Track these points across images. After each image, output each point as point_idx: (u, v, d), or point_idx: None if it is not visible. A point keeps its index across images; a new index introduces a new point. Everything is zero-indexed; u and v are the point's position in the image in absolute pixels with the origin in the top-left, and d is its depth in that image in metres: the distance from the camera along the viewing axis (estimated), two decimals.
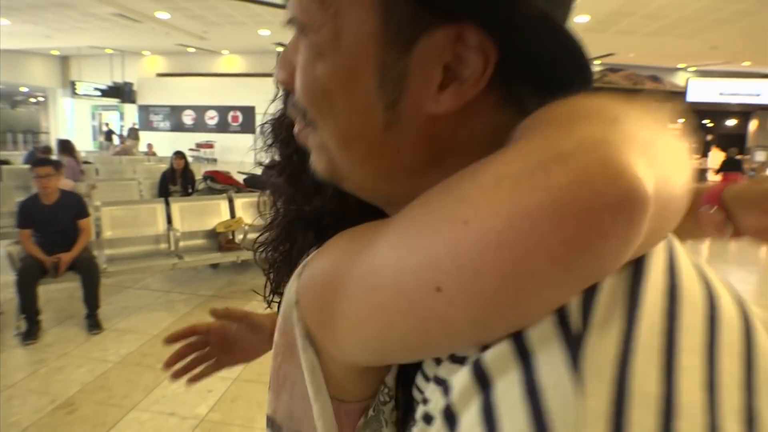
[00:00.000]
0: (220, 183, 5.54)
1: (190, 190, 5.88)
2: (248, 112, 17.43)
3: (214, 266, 5.09)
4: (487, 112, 0.34)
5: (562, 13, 0.34)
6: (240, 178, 6.11)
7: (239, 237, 4.84)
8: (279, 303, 0.55)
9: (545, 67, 0.34)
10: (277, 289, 0.58)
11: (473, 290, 0.26)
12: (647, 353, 0.25)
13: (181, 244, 4.42)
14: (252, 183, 5.88)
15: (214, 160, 16.06)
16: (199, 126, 17.94)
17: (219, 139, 17.42)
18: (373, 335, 0.33)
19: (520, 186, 0.26)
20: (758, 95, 15.12)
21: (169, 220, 4.52)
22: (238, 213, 5.00)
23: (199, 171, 6.73)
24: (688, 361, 0.25)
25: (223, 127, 17.85)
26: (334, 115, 0.36)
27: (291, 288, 0.43)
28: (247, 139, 17.52)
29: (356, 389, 0.43)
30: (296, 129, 0.41)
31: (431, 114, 0.34)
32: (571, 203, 0.25)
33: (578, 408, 0.24)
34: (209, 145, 17.01)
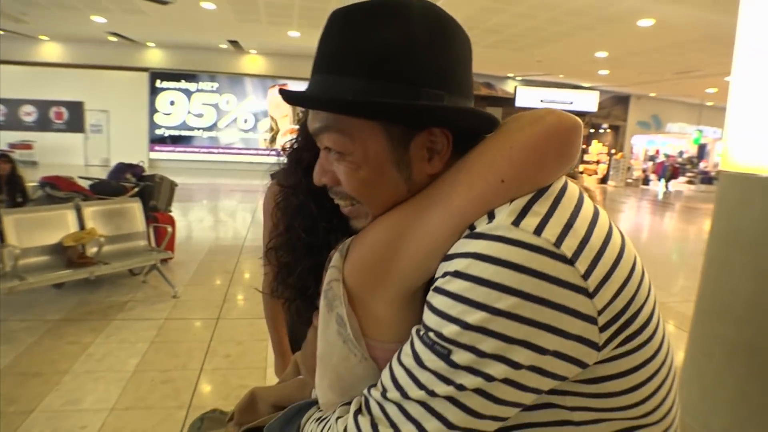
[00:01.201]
0: (63, 190, 4.83)
1: (20, 200, 5.03)
2: (76, 107, 15.37)
3: (58, 286, 4.45)
4: (452, 153, 0.61)
5: (471, 94, 0.63)
6: (84, 184, 5.40)
7: (92, 250, 4.30)
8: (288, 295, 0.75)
9: (473, 128, 0.62)
10: (286, 280, 0.74)
11: (522, 176, 0.54)
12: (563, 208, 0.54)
13: (20, 262, 3.78)
14: (101, 189, 5.24)
15: (34, 163, 13.86)
16: (11, 123, 15.23)
17: (39, 138, 15.05)
18: (451, 229, 0.54)
19: (532, 127, 0.57)
20: (571, 103, 17.69)
21: (1, 236, 3.83)
22: (89, 223, 4.43)
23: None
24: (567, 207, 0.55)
25: (44, 124, 15.45)
26: (377, 196, 0.62)
27: (334, 261, 0.62)
28: (75, 138, 15.48)
29: (414, 323, 0.57)
30: (344, 208, 0.65)
31: (430, 173, 0.61)
32: (559, 128, 0.57)
33: None
34: (27, 146, 14.58)
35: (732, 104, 2.38)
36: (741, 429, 2.32)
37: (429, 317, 0.53)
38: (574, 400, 0.54)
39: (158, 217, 5.30)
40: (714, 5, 6.59)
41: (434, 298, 0.53)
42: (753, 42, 2.25)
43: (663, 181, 17.99)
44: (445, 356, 0.50)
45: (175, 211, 6.02)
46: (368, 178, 0.60)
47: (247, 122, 16.74)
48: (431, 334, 0.52)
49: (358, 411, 0.57)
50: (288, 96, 0.63)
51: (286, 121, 16.71)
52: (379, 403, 0.55)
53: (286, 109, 16.63)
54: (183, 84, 16.09)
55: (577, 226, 0.52)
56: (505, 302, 0.48)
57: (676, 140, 21.49)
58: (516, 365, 0.49)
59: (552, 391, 0.53)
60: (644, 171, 20.33)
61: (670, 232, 10.06)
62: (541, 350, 0.49)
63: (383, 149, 0.59)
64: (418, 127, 0.59)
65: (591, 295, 0.49)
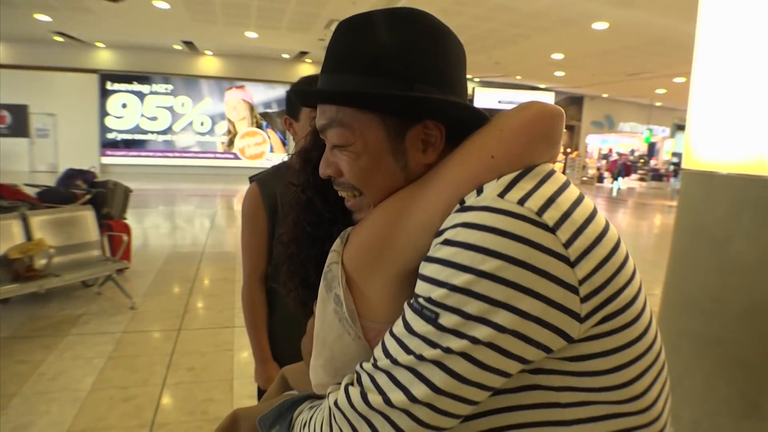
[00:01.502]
0: (7, 199, 4.52)
1: None
2: (19, 111, 14.51)
3: (4, 301, 4.17)
4: (446, 146, 0.66)
5: (464, 95, 0.68)
6: (31, 192, 5.09)
7: (41, 262, 4.04)
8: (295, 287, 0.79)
9: (464, 122, 0.65)
10: (290, 269, 0.79)
11: (510, 152, 0.59)
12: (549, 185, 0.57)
13: None
14: (49, 197, 4.95)
15: None
16: None
17: None
18: (444, 203, 0.58)
19: (521, 112, 0.61)
20: None
21: None
22: (37, 234, 4.17)
23: None
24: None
25: None
26: (376, 184, 0.66)
27: (335, 246, 0.67)
28: (19, 143, 14.64)
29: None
30: (347, 201, 0.71)
31: (425, 163, 0.66)
32: (545, 113, 0.61)
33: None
34: None
35: (693, 105, 2.44)
36: (709, 419, 2.38)
37: (419, 286, 0.56)
38: (560, 379, 0.55)
39: (112, 225, 5.06)
40: (665, 10, 6.85)
41: (425, 268, 0.56)
42: (713, 43, 2.32)
43: (618, 178, 18.63)
44: (433, 320, 0.53)
45: (130, 218, 5.76)
46: (367, 167, 0.65)
47: (204, 125, 16.30)
48: (420, 300, 0.54)
49: (350, 384, 0.59)
50: (297, 94, 0.74)
51: (244, 123, 16.40)
52: (369, 374, 0.57)
53: (244, 111, 16.33)
54: (135, 86, 15.51)
55: (560, 202, 0.55)
56: (489, 264, 0.50)
57: (628, 139, 22.33)
58: (500, 328, 0.51)
59: (538, 371, 0.54)
60: (598, 169, 21.02)
61: (624, 227, 10.40)
62: (523, 314, 0.50)
63: (381, 139, 0.65)
64: (412, 119, 0.64)
65: (572, 264, 0.52)
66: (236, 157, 16.46)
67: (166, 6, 8.89)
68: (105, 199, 5.23)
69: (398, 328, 0.56)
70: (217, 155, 16.41)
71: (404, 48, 0.63)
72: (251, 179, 1.59)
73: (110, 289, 4.62)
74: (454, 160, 0.62)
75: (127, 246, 4.88)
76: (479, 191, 0.57)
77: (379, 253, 0.62)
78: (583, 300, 0.52)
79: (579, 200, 0.57)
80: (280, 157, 16.52)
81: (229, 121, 16.39)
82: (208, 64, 15.92)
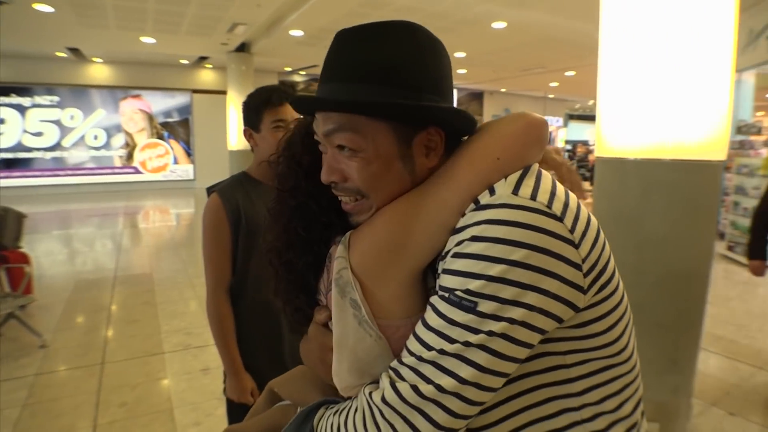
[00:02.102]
0: None
1: None
2: None
3: None
4: (444, 152, 0.72)
5: (452, 102, 0.74)
6: None
7: None
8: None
9: (459, 129, 0.73)
10: (287, 278, 0.78)
11: (513, 155, 0.67)
12: (545, 180, 0.67)
13: None
14: None
15: None
16: None
17: None
18: (459, 203, 0.65)
19: (516, 122, 0.70)
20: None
21: None
22: None
23: None
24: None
25: None
26: (385, 188, 0.70)
27: (339, 252, 0.69)
28: None
29: (420, 299, 0.67)
30: (346, 204, 0.73)
31: (429, 167, 0.71)
32: (535, 122, 0.70)
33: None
34: None
35: (601, 99, 2.66)
36: None
37: (452, 280, 0.61)
38: (566, 344, 0.64)
39: (8, 257, 4.55)
40: (557, 10, 7.38)
41: (454, 263, 0.61)
42: (615, 44, 2.54)
43: None
44: (472, 309, 0.59)
45: (25, 247, 5.19)
46: (378, 172, 0.70)
47: (98, 139, 15.05)
48: (458, 293, 0.60)
49: (393, 381, 0.63)
50: (301, 102, 0.73)
51: (143, 135, 15.39)
52: (413, 368, 0.62)
53: (142, 122, 15.33)
54: (14, 99, 13.96)
55: (558, 194, 0.64)
56: (518, 254, 0.58)
57: None
58: (530, 307, 0.59)
59: (547, 340, 0.63)
60: None
61: None
62: (546, 293, 0.59)
63: (391, 145, 0.69)
64: (419, 126, 0.70)
65: (576, 246, 0.61)
66: (137, 171, 15.39)
67: (49, 9, 8.08)
68: None
69: (435, 321, 0.62)
70: (116, 170, 15.23)
71: (413, 59, 0.68)
72: (209, 190, 1.58)
73: (13, 329, 4.14)
74: (462, 163, 0.68)
75: (29, 277, 4.40)
76: (491, 191, 0.64)
77: (393, 254, 0.66)
78: (585, 275, 0.62)
79: (567, 192, 0.67)
80: (185, 168, 15.77)
81: (127, 133, 15.27)
82: (99, 72, 14.73)
